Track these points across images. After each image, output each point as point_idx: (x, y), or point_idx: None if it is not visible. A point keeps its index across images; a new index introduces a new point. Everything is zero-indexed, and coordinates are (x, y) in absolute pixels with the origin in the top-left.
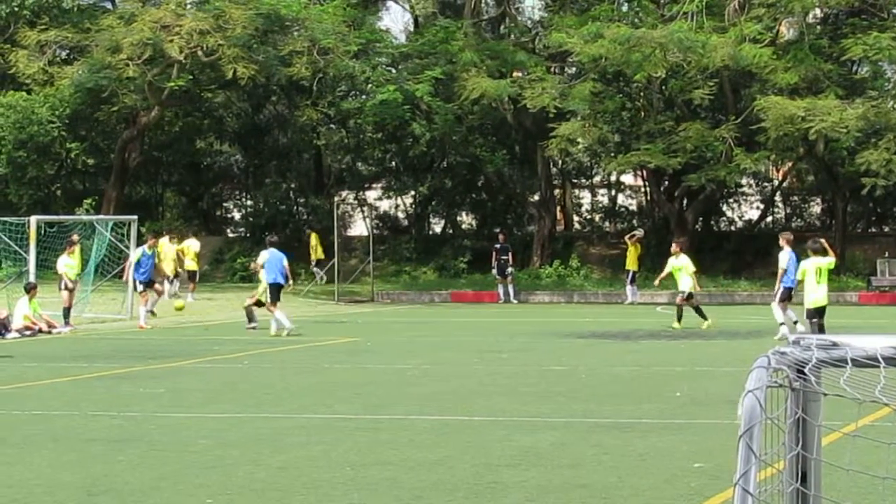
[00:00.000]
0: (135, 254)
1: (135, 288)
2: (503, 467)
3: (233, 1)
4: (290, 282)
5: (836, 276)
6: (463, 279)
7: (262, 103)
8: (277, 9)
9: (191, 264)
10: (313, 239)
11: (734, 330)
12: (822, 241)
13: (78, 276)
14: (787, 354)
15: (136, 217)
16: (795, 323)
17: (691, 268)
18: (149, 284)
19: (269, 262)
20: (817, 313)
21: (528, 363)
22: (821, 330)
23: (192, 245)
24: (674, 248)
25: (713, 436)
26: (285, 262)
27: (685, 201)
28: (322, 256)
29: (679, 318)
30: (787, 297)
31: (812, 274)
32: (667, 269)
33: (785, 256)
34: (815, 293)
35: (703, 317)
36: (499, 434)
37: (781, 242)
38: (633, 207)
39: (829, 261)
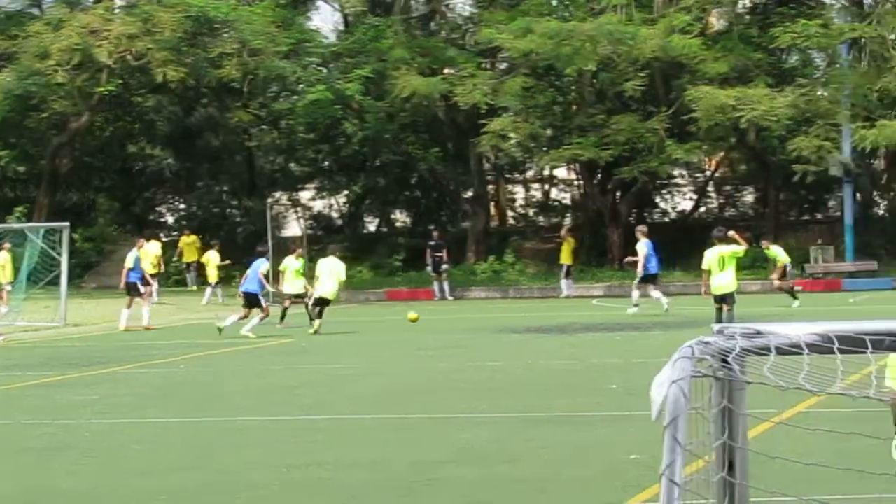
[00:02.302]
0: (131, 259)
1: (137, 293)
2: (440, 464)
3: (161, 4)
4: (268, 288)
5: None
6: (398, 277)
7: (193, 106)
8: (206, 11)
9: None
10: (189, 240)
11: (669, 321)
12: (732, 232)
13: (10, 283)
14: (710, 344)
15: (68, 224)
16: (636, 306)
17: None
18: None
19: (250, 271)
20: (722, 300)
21: (464, 360)
22: (728, 317)
23: (153, 248)
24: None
25: (649, 427)
26: (260, 270)
27: (618, 194)
28: (193, 259)
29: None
30: (647, 280)
31: (715, 262)
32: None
33: (641, 247)
34: (717, 280)
35: (312, 320)
36: (435, 431)
37: (638, 234)
38: (567, 201)
39: (733, 249)
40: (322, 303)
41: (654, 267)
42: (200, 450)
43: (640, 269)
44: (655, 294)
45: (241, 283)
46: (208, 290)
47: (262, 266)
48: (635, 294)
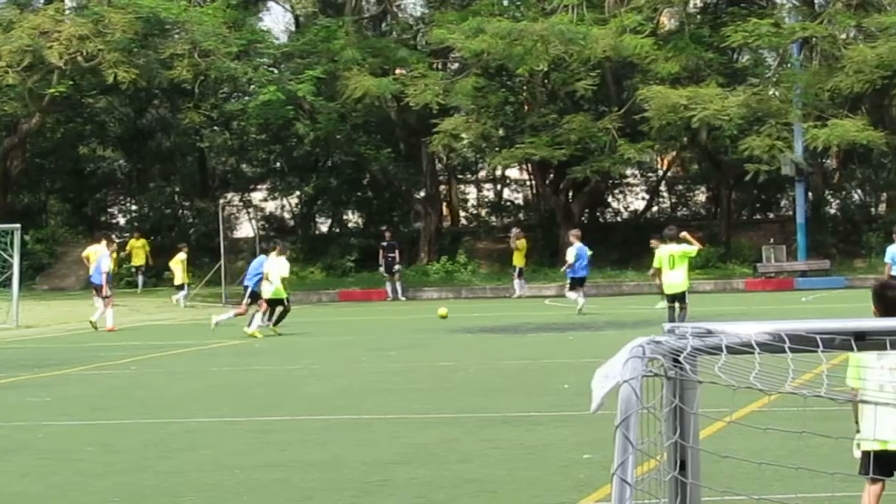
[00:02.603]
0: (107, 262)
1: (103, 293)
2: (393, 465)
3: (112, 5)
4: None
5: (722, 264)
6: (351, 278)
7: (145, 107)
8: (157, 12)
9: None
10: (138, 243)
11: (622, 320)
12: (685, 233)
13: None
14: (662, 343)
15: (19, 225)
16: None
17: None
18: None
19: (252, 266)
20: (674, 299)
21: (417, 360)
22: (682, 316)
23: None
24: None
25: (602, 427)
26: (263, 268)
27: (571, 194)
28: (142, 262)
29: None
30: (575, 285)
31: (665, 261)
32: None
33: (572, 251)
34: (667, 279)
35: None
36: (388, 432)
37: (571, 238)
38: (519, 201)
39: (684, 248)
40: (272, 303)
41: (581, 271)
42: (153, 451)
43: (565, 269)
44: (573, 295)
45: (244, 278)
46: (182, 291)
47: (265, 263)
48: (570, 295)
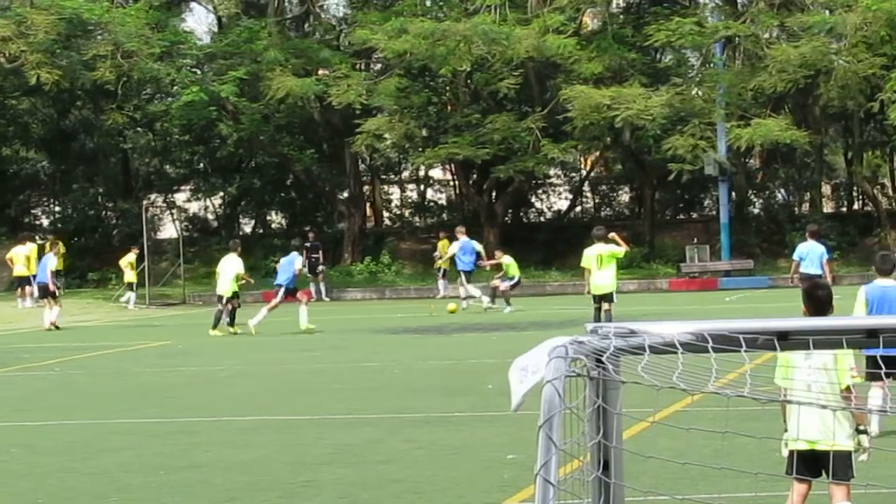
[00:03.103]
0: (53, 261)
1: (52, 295)
2: (318, 465)
3: (35, 6)
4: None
5: (646, 264)
6: (274, 278)
7: (68, 108)
8: (80, 13)
9: (21, 270)
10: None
11: (546, 321)
12: (614, 234)
13: None
14: (584, 343)
15: None
16: (485, 301)
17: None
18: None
19: (283, 264)
20: (601, 299)
21: (341, 361)
22: (607, 316)
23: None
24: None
25: (526, 427)
26: (297, 265)
27: (494, 194)
28: (61, 267)
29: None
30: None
31: (594, 261)
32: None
33: (455, 245)
34: (595, 279)
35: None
36: (313, 432)
37: (457, 234)
38: (443, 202)
39: (611, 249)
40: (221, 300)
41: (466, 264)
42: (75, 453)
43: (437, 264)
44: (463, 291)
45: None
46: (132, 294)
47: (297, 261)
48: (475, 291)
